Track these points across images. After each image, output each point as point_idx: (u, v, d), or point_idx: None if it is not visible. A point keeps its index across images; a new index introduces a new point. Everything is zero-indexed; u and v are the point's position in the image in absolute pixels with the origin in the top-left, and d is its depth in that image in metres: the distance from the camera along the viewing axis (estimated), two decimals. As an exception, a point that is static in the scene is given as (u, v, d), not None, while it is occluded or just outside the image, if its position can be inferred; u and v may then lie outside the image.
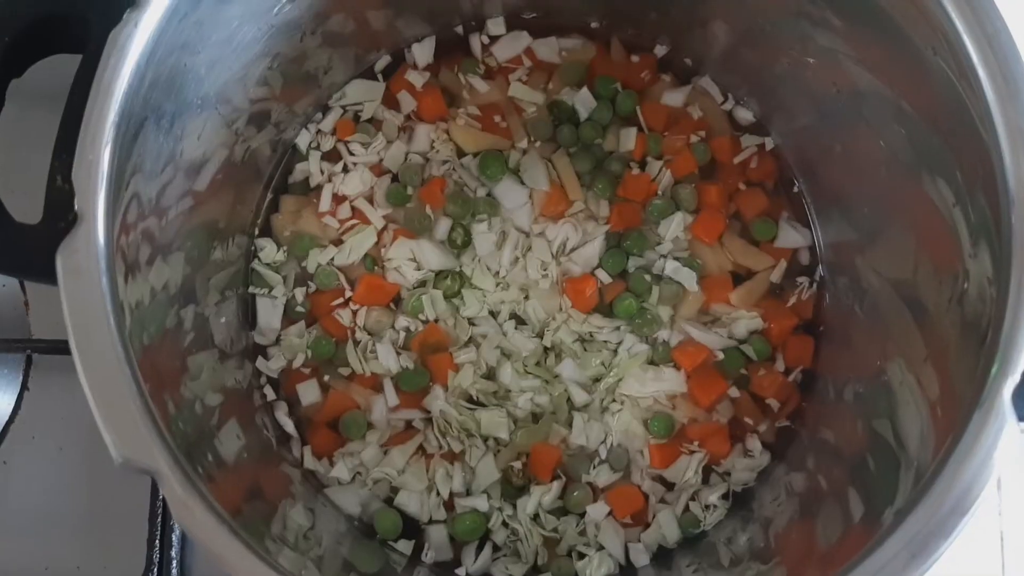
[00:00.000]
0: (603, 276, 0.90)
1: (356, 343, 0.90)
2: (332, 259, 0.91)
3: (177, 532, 0.90)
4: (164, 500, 0.89)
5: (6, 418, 0.95)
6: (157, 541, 0.89)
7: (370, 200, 0.92)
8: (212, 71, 0.73)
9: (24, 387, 0.96)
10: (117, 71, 0.60)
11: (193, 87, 0.71)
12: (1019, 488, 0.95)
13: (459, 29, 0.95)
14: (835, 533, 0.75)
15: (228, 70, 0.76)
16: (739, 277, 0.92)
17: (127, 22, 0.60)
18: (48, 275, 0.59)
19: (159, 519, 0.89)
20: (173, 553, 0.89)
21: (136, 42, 0.61)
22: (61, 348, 0.90)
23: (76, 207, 0.58)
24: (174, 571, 0.89)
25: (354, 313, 0.90)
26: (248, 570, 0.56)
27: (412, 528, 0.87)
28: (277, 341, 0.90)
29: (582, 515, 0.87)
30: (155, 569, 0.89)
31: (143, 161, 0.65)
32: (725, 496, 0.88)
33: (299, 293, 0.91)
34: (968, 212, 0.69)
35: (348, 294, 0.90)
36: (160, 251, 0.71)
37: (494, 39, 0.95)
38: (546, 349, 0.90)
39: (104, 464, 0.89)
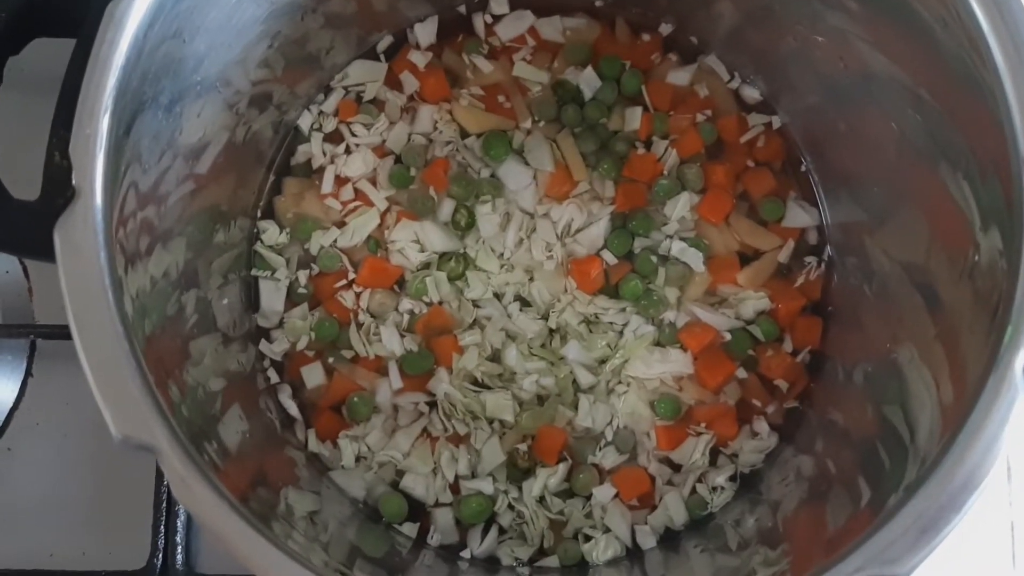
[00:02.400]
0: (608, 257, 0.90)
1: (359, 326, 0.89)
2: (335, 241, 0.90)
3: (182, 518, 0.89)
4: (169, 486, 0.89)
5: (10, 405, 0.94)
6: (162, 527, 0.89)
7: (373, 182, 0.92)
8: (211, 51, 0.72)
9: (28, 373, 0.95)
10: (114, 45, 0.59)
11: (192, 67, 0.71)
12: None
13: (462, 9, 0.95)
14: (843, 516, 0.74)
15: (228, 50, 0.75)
16: (746, 258, 0.91)
17: (123, -3, 0.60)
18: (46, 252, 0.59)
19: (164, 505, 0.89)
20: (178, 539, 0.89)
21: (133, 16, 0.60)
22: (65, 333, 0.90)
23: (74, 182, 0.57)
24: (179, 557, 0.89)
25: (357, 295, 0.90)
26: (248, 546, 0.55)
27: (417, 511, 0.87)
28: (280, 324, 0.90)
29: (588, 497, 0.87)
30: (160, 555, 0.89)
31: (141, 144, 0.65)
32: (732, 478, 0.88)
33: (302, 276, 0.90)
34: (978, 189, 0.68)
35: (351, 276, 0.90)
36: (162, 236, 0.71)
37: (497, 19, 0.95)
38: (551, 331, 0.89)
39: (109, 450, 0.89)
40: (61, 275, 0.57)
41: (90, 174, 0.58)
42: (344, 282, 0.90)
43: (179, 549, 0.89)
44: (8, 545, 0.91)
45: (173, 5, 0.63)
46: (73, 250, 0.57)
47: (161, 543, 0.89)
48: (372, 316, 0.90)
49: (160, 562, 0.89)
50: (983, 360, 0.62)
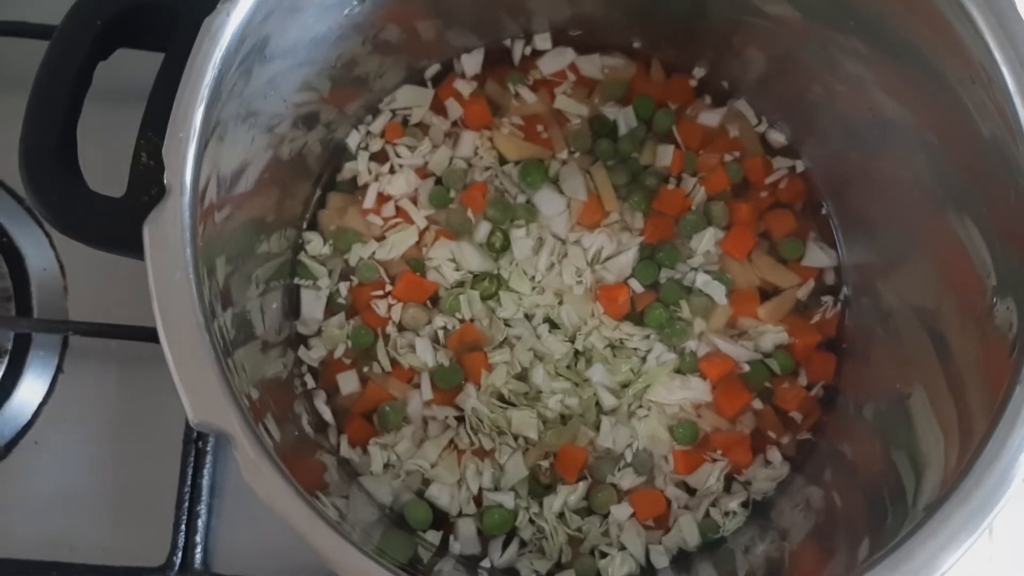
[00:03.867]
0: (635, 285, 0.93)
1: (387, 339, 0.92)
2: (374, 253, 0.93)
3: (203, 518, 0.91)
4: (192, 486, 0.91)
5: (40, 399, 0.96)
6: (183, 526, 0.90)
7: (414, 201, 0.95)
8: (284, 68, 0.76)
9: (59, 369, 0.97)
10: (208, 55, 0.63)
11: (267, 82, 0.75)
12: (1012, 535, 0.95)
13: (507, 42, 0.99)
14: (847, 549, 0.77)
15: (298, 68, 0.79)
16: (766, 293, 0.95)
17: (220, 11, 0.64)
18: (130, 246, 0.62)
19: (186, 504, 0.91)
20: (198, 538, 0.91)
21: (228, 30, 0.64)
22: (98, 331, 0.94)
23: (165, 180, 0.61)
24: (198, 556, 0.90)
25: (390, 307, 0.93)
26: (316, 532, 0.58)
27: (440, 519, 0.89)
28: (319, 332, 0.93)
29: (606, 516, 0.89)
30: (179, 553, 0.90)
31: (220, 150, 0.69)
32: (745, 504, 0.90)
33: (343, 287, 0.93)
34: (991, 239, 0.72)
35: (388, 288, 0.93)
36: (216, 241, 0.73)
37: (540, 53, 0.99)
38: (577, 353, 0.92)
39: (134, 449, 0.94)
40: (149, 267, 0.60)
41: (181, 173, 0.61)
42: (380, 293, 0.93)
43: (199, 548, 0.91)
44: (30, 536, 0.92)
45: (261, 22, 0.66)
46: (162, 244, 0.60)
47: (181, 542, 0.90)
48: (400, 330, 0.93)
49: (179, 560, 0.90)
50: (990, 403, 0.66)
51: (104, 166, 0.71)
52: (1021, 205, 0.68)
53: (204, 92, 0.62)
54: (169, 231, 0.60)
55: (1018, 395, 0.64)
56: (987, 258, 0.72)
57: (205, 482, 0.91)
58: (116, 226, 0.64)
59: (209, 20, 0.63)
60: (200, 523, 0.91)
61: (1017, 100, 0.67)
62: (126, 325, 0.92)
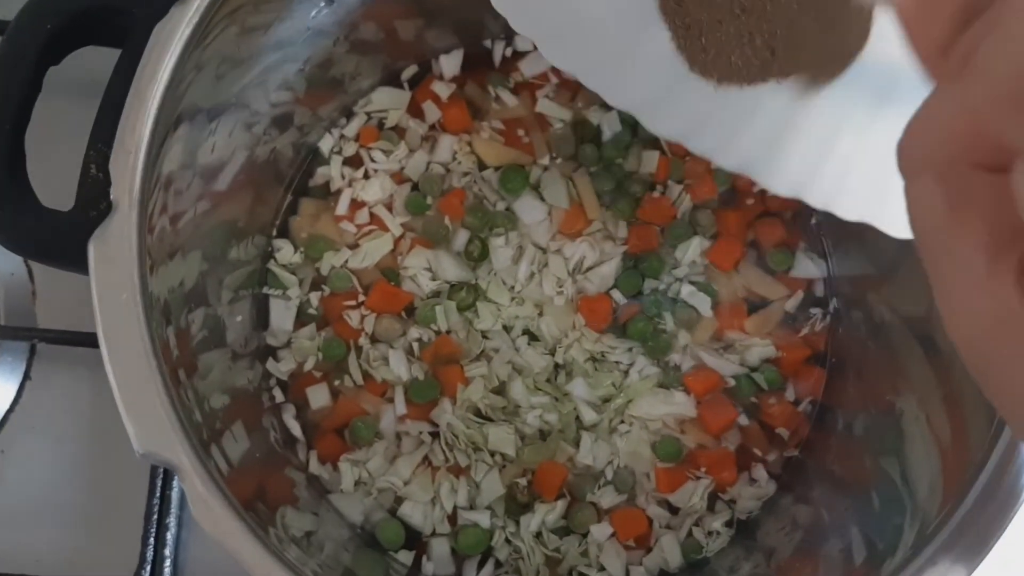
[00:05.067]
0: (618, 296, 0.91)
1: (359, 351, 0.89)
2: (346, 262, 0.91)
3: (172, 531, 0.88)
4: (160, 497, 0.88)
5: (6, 407, 0.93)
6: (152, 539, 0.88)
7: (389, 207, 0.92)
8: (248, 72, 0.73)
9: (26, 376, 0.94)
10: (159, 65, 0.60)
11: (228, 88, 0.72)
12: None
13: (487, 43, 0.96)
14: (837, 573, 0.75)
15: (264, 72, 0.76)
16: (753, 305, 0.92)
17: (172, 16, 0.61)
18: (77, 263, 0.59)
19: (155, 516, 0.88)
20: (167, 552, 0.88)
21: (179, 37, 0.61)
22: (67, 339, 0.91)
23: (112, 196, 0.58)
24: (167, 570, 0.88)
25: (363, 318, 0.90)
26: (265, 570, 0.55)
27: (413, 539, 0.87)
28: (288, 344, 0.90)
29: (585, 535, 0.87)
30: (148, 567, 0.87)
31: (174, 160, 0.66)
32: (729, 523, 0.88)
33: (314, 297, 0.91)
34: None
35: (361, 298, 0.90)
36: (180, 250, 0.71)
37: (521, 55, 0.96)
38: (557, 366, 0.89)
39: (102, 459, 0.92)
40: (93, 287, 0.57)
41: (128, 189, 0.58)
42: (353, 303, 0.90)
43: (167, 562, 0.88)
44: (-6, 548, 0.90)
45: (219, 26, 0.64)
46: (107, 263, 0.57)
47: (150, 555, 0.88)
48: (373, 342, 0.90)
49: (148, 574, 0.87)
50: (987, 419, 0.63)
51: (56, 175, 0.68)
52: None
53: (153, 103, 0.59)
54: (115, 250, 0.57)
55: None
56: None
57: (174, 494, 0.89)
58: (63, 242, 0.61)
59: (160, 26, 0.60)
60: (169, 536, 0.89)
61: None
62: (95, 333, 0.89)
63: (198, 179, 0.73)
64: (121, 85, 0.61)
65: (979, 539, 0.60)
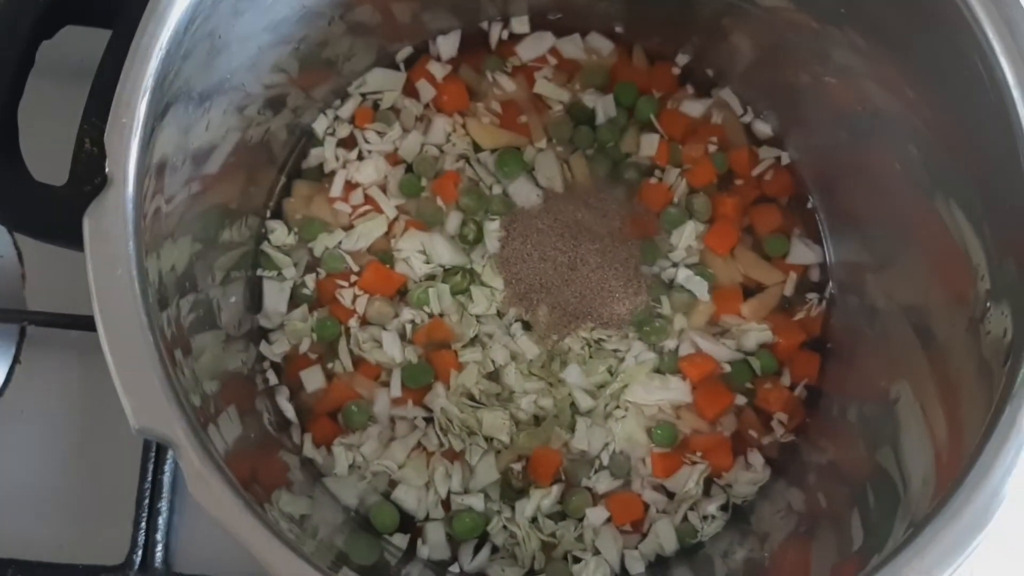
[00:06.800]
0: (615, 282, 0.90)
1: (348, 336, 0.89)
2: (340, 243, 0.90)
3: (164, 516, 0.88)
4: (152, 482, 0.88)
5: (-4, 391, 0.93)
6: (143, 524, 0.87)
7: (383, 189, 0.92)
8: (242, 51, 0.73)
9: (16, 360, 0.94)
10: (154, 38, 0.60)
11: (222, 65, 0.71)
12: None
13: (484, 25, 0.95)
14: (827, 563, 0.75)
15: (258, 52, 0.76)
16: (749, 290, 0.92)
17: (167, -11, 0.60)
18: (71, 238, 0.58)
19: (147, 501, 0.88)
20: (159, 536, 0.87)
21: (175, 11, 0.60)
22: (57, 321, 0.90)
23: (107, 169, 0.57)
24: (159, 555, 0.87)
25: (355, 297, 0.89)
26: (265, 548, 0.55)
27: (408, 522, 0.86)
28: (282, 326, 0.89)
29: (580, 520, 0.86)
30: (139, 551, 0.87)
31: (169, 138, 0.65)
32: (724, 507, 0.88)
33: (309, 280, 0.90)
34: (986, 239, 0.69)
35: (354, 279, 0.90)
36: (174, 229, 0.71)
37: (518, 37, 0.95)
38: (551, 353, 0.89)
39: (92, 443, 0.91)
40: (88, 262, 0.56)
41: (123, 163, 0.57)
42: (346, 284, 0.89)
43: (159, 547, 0.87)
44: (-17, 532, 0.89)
45: (213, 3, 0.63)
46: (102, 237, 0.57)
47: (141, 540, 0.87)
48: (364, 324, 0.89)
49: (139, 559, 0.87)
50: (982, 413, 0.63)
51: (50, 150, 0.67)
52: (1018, 206, 0.65)
53: (150, 76, 0.58)
54: (110, 224, 0.57)
55: (1013, 404, 0.61)
56: (981, 259, 0.69)
57: (166, 478, 0.88)
58: (56, 217, 0.60)
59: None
60: (161, 520, 0.88)
61: (1016, 93, 0.64)
62: (86, 315, 0.85)
63: (191, 159, 0.72)
64: (115, 60, 0.60)
65: (971, 528, 0.59)
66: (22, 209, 0.62)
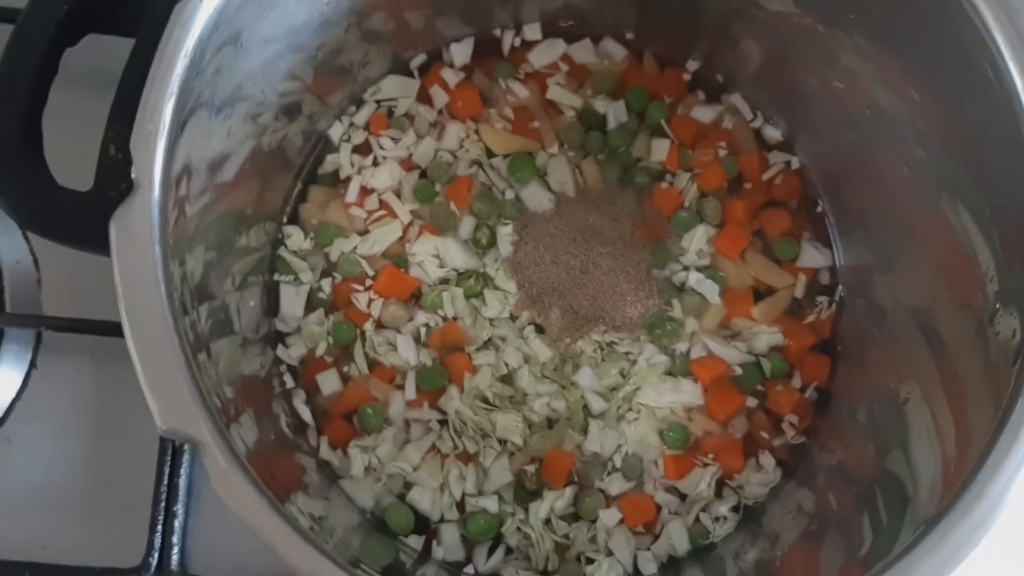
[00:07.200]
0: (627, 287, 0.90)
1: (364, 339, 0.90)
2: (356, 248, 0.91)
3: (180, 519, 0.89)
4: (168, 485, 0.88)
5: (13, 395, 0.93)
6: (159, 527, 0.88)
7: (398, 194, 0.93)
8: (262, 58, 0.74)
9: (32, 364, 0.94)
10: (180, 44, 0.61)
11: (243, 72, 0.72)
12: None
13: (496, 32, 0.96)
14: (838, 562, 0.76)
15: (277, 58, 0.77)
16: (759, 294, 0.93)
17: (191, -2, 0.61)
18: (97, 243, 0.59)
19: (163, 504, 0.88)
20: (175, 539, 0.88)
21: (199, 18, 0.61)
22: (73, 326, 0.91)
23: (133, 175, 0.58)
24: (175, 558, 0.88)
25: (370, 301, 0.90)
26: (288, 546, 0.56)
27: (423, 523, 0.87)
28: (298, 330, 0.90)
29: (593, 522, 0.87)
30: (156, 554, 0.87)
31: (192, 143, 0.66)
32: (735, 509, 0.88)
33: (325, 284, 0.91)
34: (994, 241, 0.70)
35: (369, 283, 0.90)
36: (192, 235, 0.71)
37: (530, 44, 0.96)
38: (563, 356, 0.89)
39: (108, 447, 0.92)
40: (115, 266, 0.57)
41: (149, 168, 0.58)
42: (361, 288, 0.90)
43: (175, 549, 0.88)
44: (1, 536, 0.90)
45: (236, 10, 0.64)
46: (128, 242, 0.57)
47: (157, 542, 0.88)
48: (379, 327, 0.90)
49: (156, 561, 0.87)
50: (991, 414, 0.64)
51: (73, 157, 0.68)
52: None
53: (175, 83, 0.60)
54: (137, 228, 0.58)
55: (1021, 405, 0.62)
56: (990, 261, 0.70)
57: (182, 481, 0.89)
58: (82, 222, 0.61)
59: (180, 6, 0.60)
60: (177, 523, 0.89)
61: (1024, 95, 0.65)
62: (102, 320, 0.89)
63: (210, 165, 0.73)
64: (139, 68, 0.61)
65: (979, 526, 0.60)
66: (48, 214, 0.63)
